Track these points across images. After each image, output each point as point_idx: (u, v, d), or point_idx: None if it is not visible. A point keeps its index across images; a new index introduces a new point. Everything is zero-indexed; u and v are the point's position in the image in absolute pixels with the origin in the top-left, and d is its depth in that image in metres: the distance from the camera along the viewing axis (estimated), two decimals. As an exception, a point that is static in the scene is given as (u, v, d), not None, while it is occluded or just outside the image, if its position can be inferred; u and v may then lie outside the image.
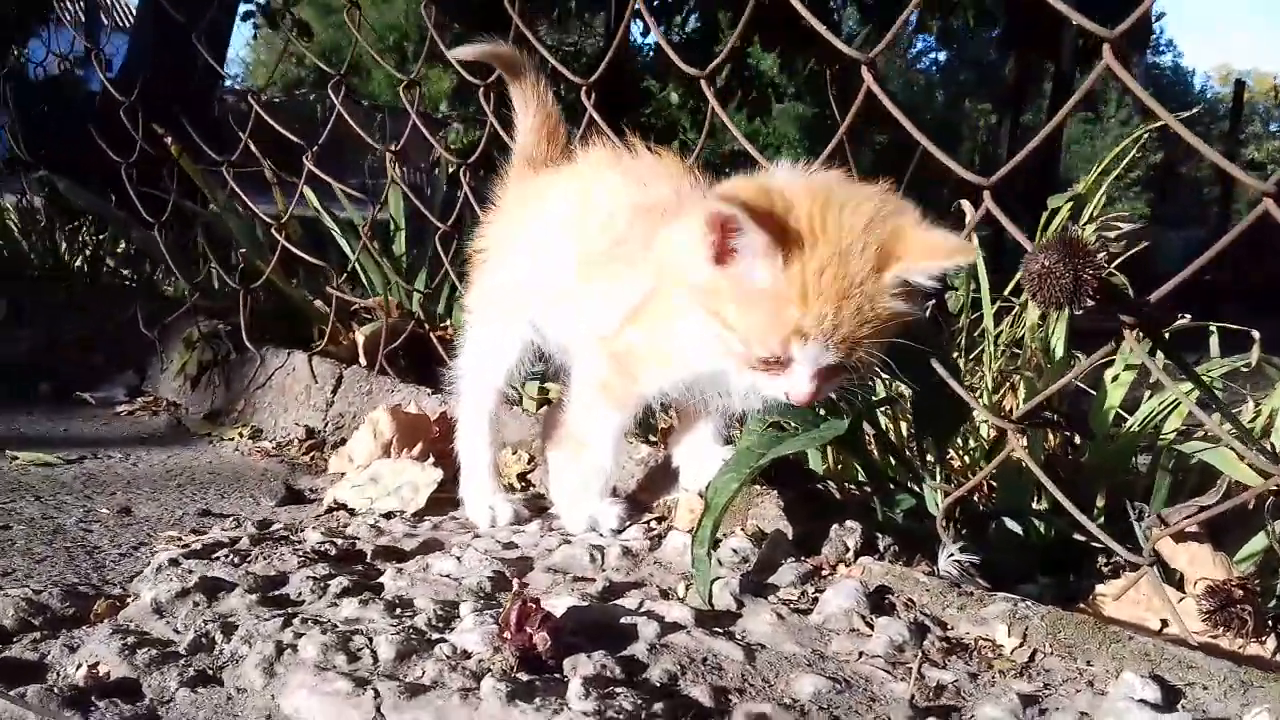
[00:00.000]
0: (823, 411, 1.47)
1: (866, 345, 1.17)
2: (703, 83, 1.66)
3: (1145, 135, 2.23)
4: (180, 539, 1.45)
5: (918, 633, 1.14)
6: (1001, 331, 2.11)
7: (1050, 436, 1.94)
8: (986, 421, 1.83)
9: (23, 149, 4.17)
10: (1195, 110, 2.18)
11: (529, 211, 1.59)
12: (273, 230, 2.40)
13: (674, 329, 1.31)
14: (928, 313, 2.02)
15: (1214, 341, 2.14)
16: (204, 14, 3.15)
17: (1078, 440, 1.98)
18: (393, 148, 2.67)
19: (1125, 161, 2.19)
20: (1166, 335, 1.96)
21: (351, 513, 1.66)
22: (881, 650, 1.10)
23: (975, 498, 1.82)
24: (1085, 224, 2.17)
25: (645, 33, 13.58)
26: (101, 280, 3.89)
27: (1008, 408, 2.01)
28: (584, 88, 1.79)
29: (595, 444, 1.45)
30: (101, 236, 4.24)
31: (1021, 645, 1.12)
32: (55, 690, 0.94)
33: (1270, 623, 1.35)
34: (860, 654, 1.10)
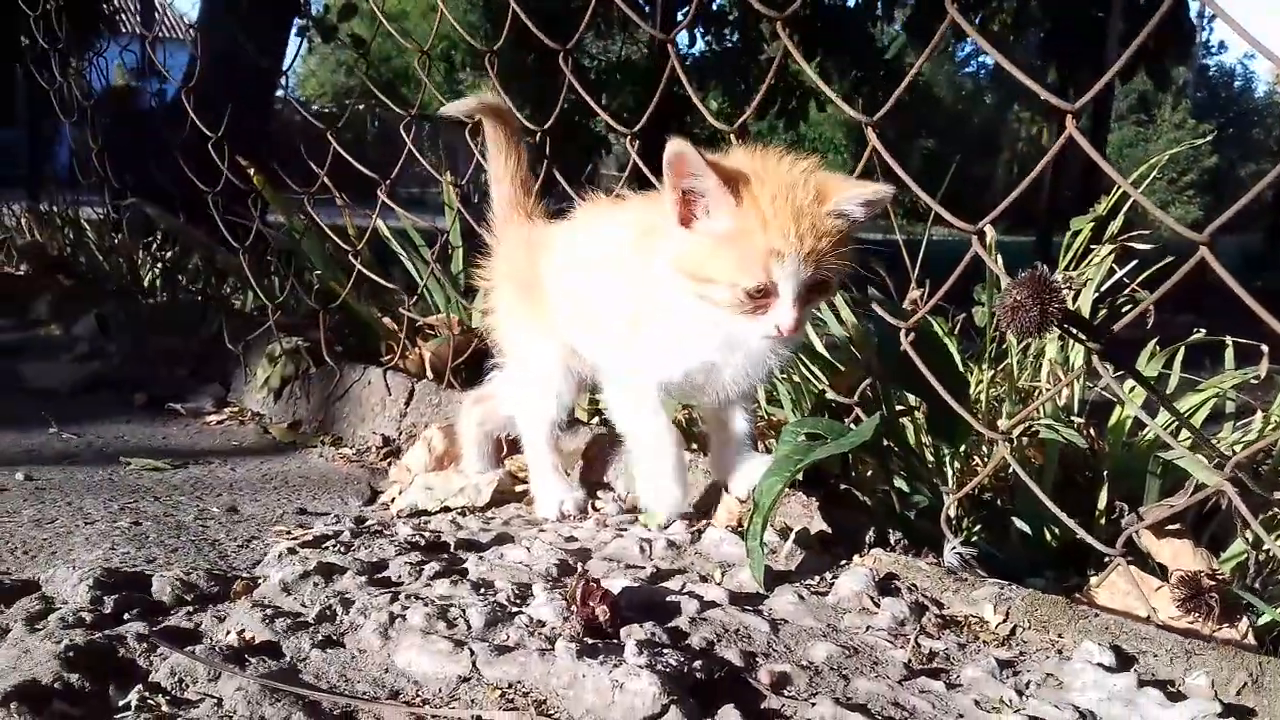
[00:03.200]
0: (849, 423, 1.69)
1: (829, 260, 1.42)
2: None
3: (1180, 148, 2.42)
4: (289, 533, 1.70)
5: (917, 611, 1.35)
6: (1029, 344, 2.29)
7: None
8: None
9: (102, 168, 4.46)
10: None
11: (553, 257, 1.81)
12: (350, 256, 2.65)
13: (670, 320, 1.55)
14: (956, 329, 2.23)
15: (1229, 354, 2.32)
16: (263, 31, 3.38)
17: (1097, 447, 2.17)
18: (450, 177, 2.93)
19: (1157, 166, 2.36)
20: (1157, 348, 2.15)
21: (424, 513, 1.90)
22: (885, 625, 1.31)
23: (999, 501, 2.03)
24: (1106, 242, 2.36)
25: (691, 42, 13.81)
26: (177, 296, 4.18)
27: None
28: (629, 137, 2.02)
29: (639, 438, 1.69)
30: (172, 252, 4.54)
31: (1004, 621, 1.33)
32: (216, 649, 1.18)
33: (1243, 609, 1.55)
34: (867, 627, 1.31)
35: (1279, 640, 1.53)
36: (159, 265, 4.46)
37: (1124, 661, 1.22)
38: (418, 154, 2.54)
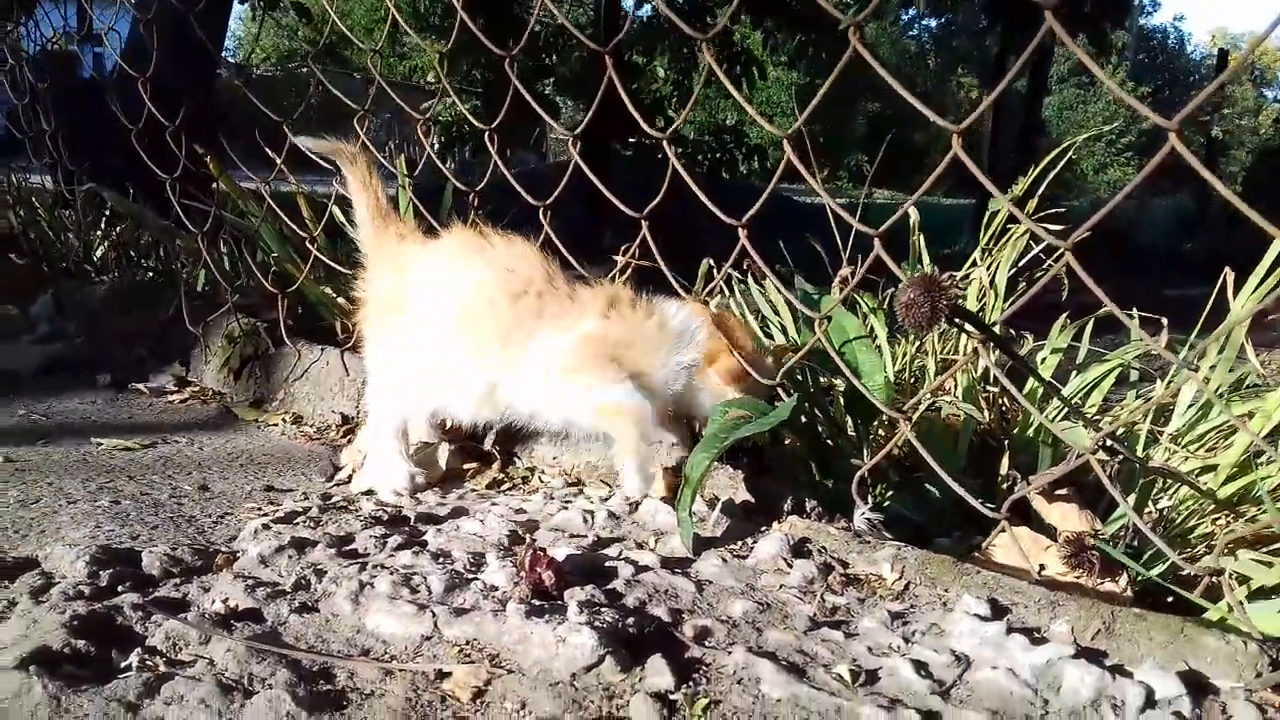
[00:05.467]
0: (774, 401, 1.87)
1: None
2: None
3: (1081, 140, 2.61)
4: (261, 510, 1.85)
5: (824, 570, 1.54)
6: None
7: (985, 414, 2.33)
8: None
9: (55, 150, 4.50)
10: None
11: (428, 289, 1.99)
12: (306, 243, 2.77)
13: None
14: (886, 302, 2.42)
15: (1134, 326, 2.53)
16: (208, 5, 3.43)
17: (1011, 416, 2.38)
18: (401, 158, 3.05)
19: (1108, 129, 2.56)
20: (1068, 321, 2.34)
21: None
22: (796, 583, 1.50)
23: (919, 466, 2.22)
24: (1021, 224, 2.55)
25: (639, 4, 13.86)
26: (134, 275, 4.26)
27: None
28: (570, 140, 2.16)
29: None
30: (125, 230, 4.59)
31: (899, 579, 1.53)
32: (205, 615, 1.34)
33: (1122, 565, 1.76)
34: (780, 586, 1.50)
35: (1161, 590, 1.74)
36: (112, 244, 4.53)
37: (998, 612, 1.41)
38: (378, 154, 2.67)
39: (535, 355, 1.86)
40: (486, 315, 1.87)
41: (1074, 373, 2.36)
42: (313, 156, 2.28)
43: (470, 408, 1.96)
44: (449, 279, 1.94)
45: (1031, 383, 2.32)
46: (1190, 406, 2.15)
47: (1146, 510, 2.07)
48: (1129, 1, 13.79)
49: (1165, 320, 2.37)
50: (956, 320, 1.52)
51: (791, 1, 11.49)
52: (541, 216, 2.20)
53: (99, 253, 4.53)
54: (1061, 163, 2.60)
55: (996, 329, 2.45)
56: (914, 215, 2.53)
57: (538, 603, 1.37)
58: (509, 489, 2.02)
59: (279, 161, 2.84)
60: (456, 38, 2.42)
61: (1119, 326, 2.47)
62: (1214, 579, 1.58)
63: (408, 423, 2.06)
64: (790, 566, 1.55)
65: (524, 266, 1.91)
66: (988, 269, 2.54)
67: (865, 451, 2.00)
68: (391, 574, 1.44)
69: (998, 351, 1.88)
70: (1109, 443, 1.76)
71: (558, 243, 2.12)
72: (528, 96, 2.17)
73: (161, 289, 3.75)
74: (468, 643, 1.29)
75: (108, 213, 4.66)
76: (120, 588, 1.43)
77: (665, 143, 1.94)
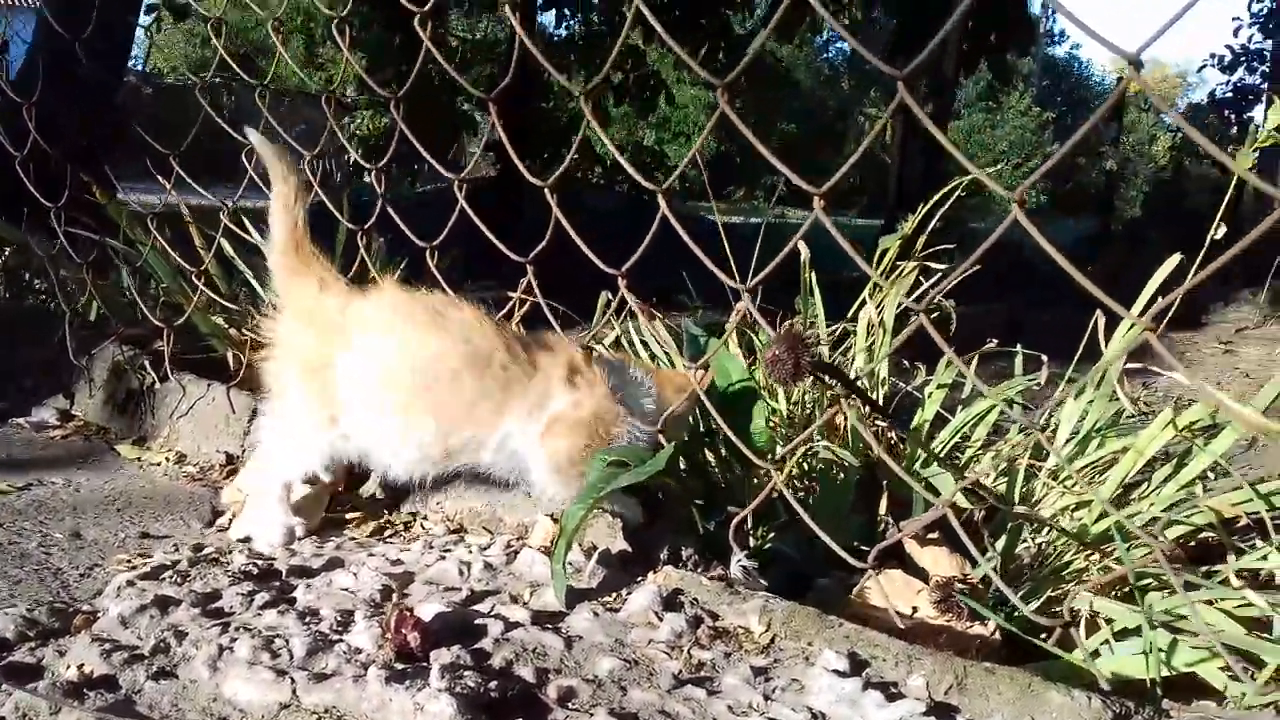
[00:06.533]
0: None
1: None
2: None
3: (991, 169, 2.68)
4: (130, 561, 1.81)
5: (694, 623, 1.56)
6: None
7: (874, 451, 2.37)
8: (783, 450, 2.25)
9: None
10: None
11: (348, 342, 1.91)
12: (194, 277, 2.73)
13: None
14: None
15: (1018, 362, 2.61)
16: (110, 17, 3.37)
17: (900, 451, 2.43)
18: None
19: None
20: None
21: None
22: (665, 638, 1.52)
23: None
24: (912, 258, 2.62)
25: (559, 22, 13.89)
26: (22, 301, 4.14)
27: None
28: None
29: None
30: (10, 251, 4.46)
31: (766, 631, 1.55)
32: (57, 685, 1.31)
33: (993, 608, 1.81)
34: (649, 641, 1.51)
35: (1034, 630, 1.78)
36: (1, 268, 4.40)
37: (857, 667, 1.45)
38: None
39: (513, 434, 1.88)
40: (448, 387, 1.84)
41: (959, 406, 2.43)
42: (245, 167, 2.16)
43: (408, 469, 1.92)
44: (394, 346, 1.88)
45: (919, 418, 2.38)
46: (1067, 442, 2.22)
47: (1025, 544, 2.14)
48: (1033, 32, 14.17)
49: (1045, 358, 2.47)
50: (818, 375, 1.55)
51: (702, 21, 11.63)
52: (429, 259, 2.20)
53: (-11, 275, 4.40)
54: (955, 193, 2.67)
55: (884, 366, 2.53)
56: (805, 251, 2.58)
57: (400, 667, 1.37)
58: (390, 535, 2.01)
59: (169, 186, 2.80)
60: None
61: (1007, 354, 2.56)
62: (1073, 625, 1.63)
63: (304, 474, 2.03)
64: (661, 620, 1.57)
65: (480, 339, 1.87)
66: (876, 306, 2.60)
67: (747, 494, 2.03)
68: (253, 636, 1.42)
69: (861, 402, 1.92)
70: (976, 488, 1.82)
71: (443, 283, 2.11)
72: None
73: (52, 314, 3.65)
74: (326, 710, 1.28)
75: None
76: (-30, 653, 1.39)
77: (546, 191, 1.94)
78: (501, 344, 1.86)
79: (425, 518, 2.07)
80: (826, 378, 1.58)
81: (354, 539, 1.97)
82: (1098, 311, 2.11)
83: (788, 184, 1.74)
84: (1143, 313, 1.95)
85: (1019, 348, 2.60)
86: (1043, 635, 1.68)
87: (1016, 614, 1.90)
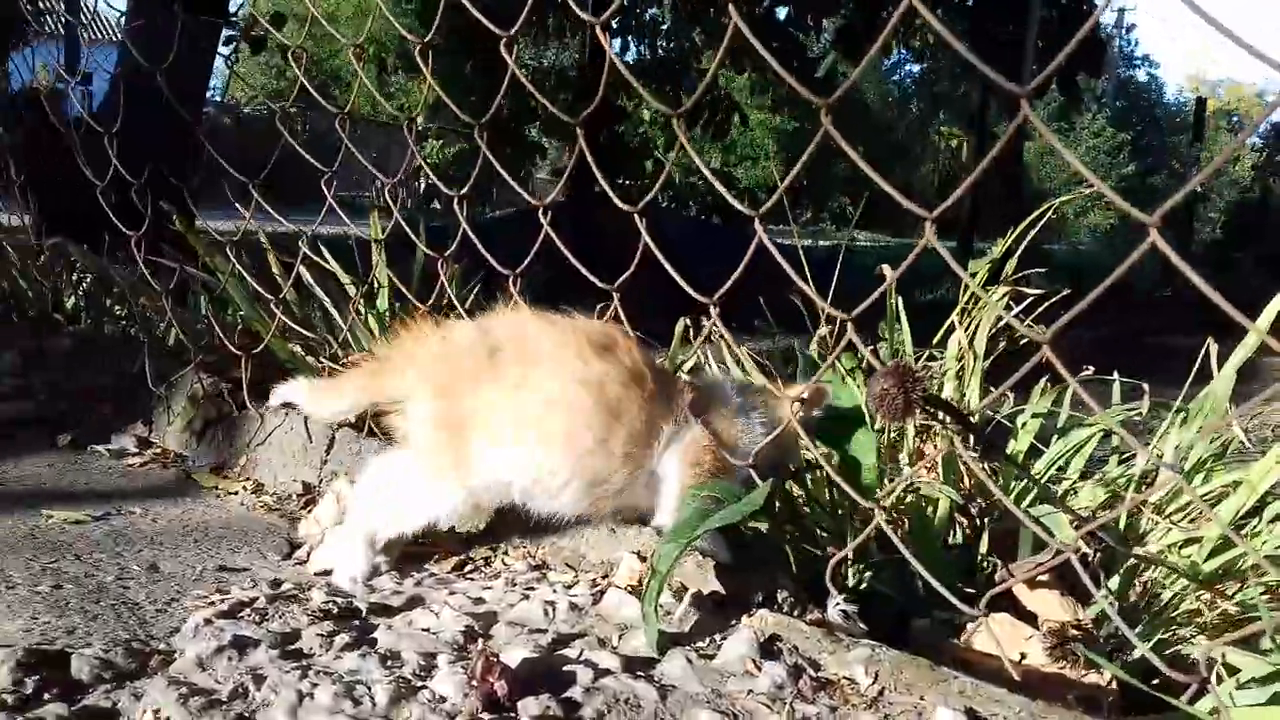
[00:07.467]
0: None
1: None
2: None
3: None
4: (208, 598, 1.76)
5: (795, 674, 1.46)
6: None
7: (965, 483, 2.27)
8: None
9: (24, 200, 4.43)
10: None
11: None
12: (273, 305, 2.70)
13: None
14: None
15: (1115, 390, 2.48)
16: (187, 46, 3.40)
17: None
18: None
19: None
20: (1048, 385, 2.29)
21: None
22: (765, 689, 1.42)
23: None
24: (1002, 284, 2.51)
25: (624, 50, 13.95)
26: (102, 328, 4.18)
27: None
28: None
29: None
30: (91, 278, 4.51)
31: (874, 683, 1.45)
32: (132, 732, 1.25)
33: (1108, 656, 1.69)
34: (749, 691, 1.42)
35: (1147, 676, 1.66)
36: (83, 293, 4.45)
37: (976, 723, 1.34)
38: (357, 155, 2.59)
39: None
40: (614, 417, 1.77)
41: (1055, 437, 2.30)
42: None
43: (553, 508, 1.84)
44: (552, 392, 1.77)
45: (1013, 448, 2.26)
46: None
47: (1131, 586, 2.01)
48: (1103, 53, 13.86)
49: (1147, 386, 2.34)
50: (929, 409, 1.46)
51: (774, 44, 11.56)
52: (511, 285, 2.14)
53: (70, 303, 4.45)
54: (1046, 215, 2.56)
55: (975, 394, 2.41)
56: (891, 275, 2.48)
57: (488, 717, 1.29)
58: (470, 571, 1.94)
59: (248, 214, 2.79)
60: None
61: (1103, 381, 2.43)
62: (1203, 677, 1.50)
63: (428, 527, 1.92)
64: (759, 669, 1.47)
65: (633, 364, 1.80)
66: (965, 330, 2.49)
67: (849, 534, 1.93)
68: (334, 682, 1.36)
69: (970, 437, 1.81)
70: (1101, 531, 1.70)
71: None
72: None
73: (131, 340, 3.67)
74: (411, 764, 1.21)
75: (77, 264, 4.58)
76: (47, 695, 1.35)
77: (636, 216, 1.87)
78: (648, 368, 1.80)
79: (506, 553, 1.99)
80: (939, 413, 1.48)
81: (434, 574, 1.91)
82: (1209, 339, 2.00)
83: (855, 206, 1.67)
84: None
85: (1116, 375, 2.48)
86: (1154, 681, 1.56)
87: (1129, 660, 1.78)
